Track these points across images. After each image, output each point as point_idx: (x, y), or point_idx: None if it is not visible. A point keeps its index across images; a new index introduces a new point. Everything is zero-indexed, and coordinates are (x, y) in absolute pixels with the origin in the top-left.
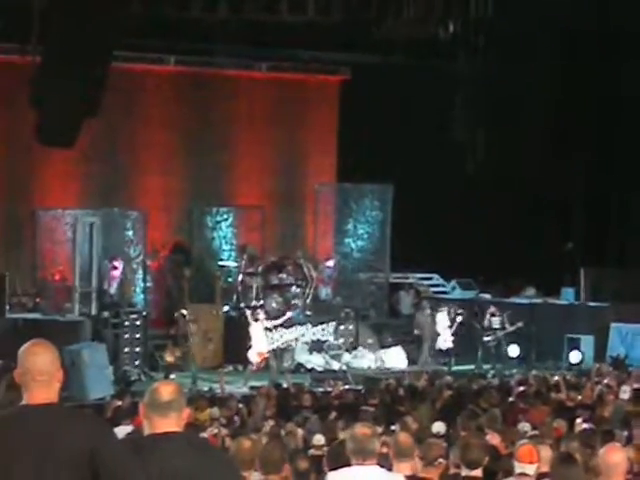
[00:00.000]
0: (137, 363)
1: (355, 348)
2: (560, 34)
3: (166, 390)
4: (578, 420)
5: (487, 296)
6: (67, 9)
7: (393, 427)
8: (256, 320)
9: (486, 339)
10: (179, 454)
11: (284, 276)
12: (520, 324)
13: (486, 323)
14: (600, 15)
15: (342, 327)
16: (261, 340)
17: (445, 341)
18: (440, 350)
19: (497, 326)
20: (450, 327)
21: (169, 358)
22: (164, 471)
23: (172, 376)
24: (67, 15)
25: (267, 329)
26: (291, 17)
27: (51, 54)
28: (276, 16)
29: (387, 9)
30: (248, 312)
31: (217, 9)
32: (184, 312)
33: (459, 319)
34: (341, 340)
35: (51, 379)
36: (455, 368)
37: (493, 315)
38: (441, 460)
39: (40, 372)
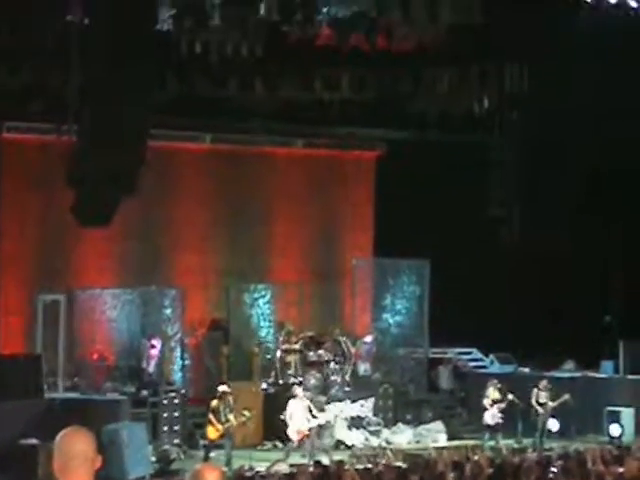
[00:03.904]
0: (176, 442)
1: (394, 424)
2: (596, 110)
3: (212, 476)
4: None
5: (526, 370)
6: (102, 89)
7: None
8: (295, 397)
9: (536, 414)
10: None
11: (322, 352)
12: (567, 396)
13: (535, 397)
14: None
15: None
16: (301, 417)
17: (493, 416)
18: (488, 425)
19: (543, 400)
20: (499, 402)
21: (212, 435)
22: None
23: (211, 455)
24: (102, 95)
25: (306, 407)
26: (326, 94)
27: (87, 133)
28: (311, 94)
29: (420, 85)
30: (287, 389)
31: (252, 87)
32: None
33: (510, 395)
34: (380, 416)
35: (88, 466)
36: (491, 443)
37: (541, 390)
38: None
39: (77, 460)
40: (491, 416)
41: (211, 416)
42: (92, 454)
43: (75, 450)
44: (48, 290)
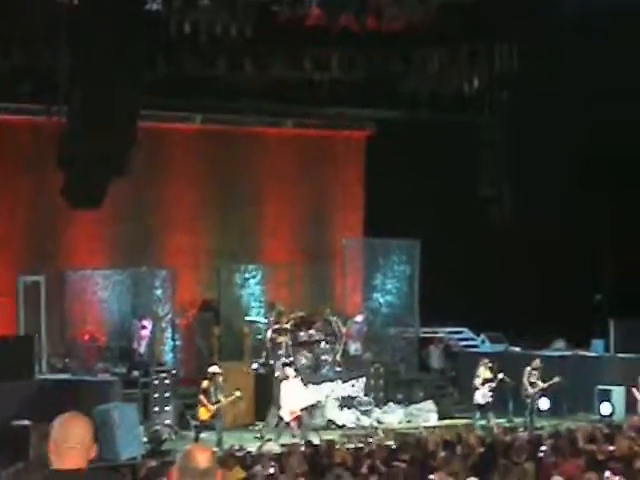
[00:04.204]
0: (167, 422)
1: (385, 403)
2: (585, 89)
3: (203, 457)
4: (607, 473)
5: (517, 349)
6: (92, 70)
7: None
8: (286, 377)
9: (527, 393)
10: None
11: (313, 332)
12: (557, 379)
13: (526, 377)
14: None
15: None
16: (292, 398)
17: (484, 396)
18: (479, 404)
19: (534, 380)
20: (490, 381)
21: (203, 415)
22: None
23: (202, 435)
24: (92, 76)
25: (298, 386)
26: (315, 74)
27: (77, 114)
28: (300, 74)
29: (410, 64)
30: (278, 369)
31: (242, 67)
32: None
33: (500, 375)
34: (371, 396)
35: (83, 451)
36: (482, 422)
37: (533, 369)
38: None
39: (72, 443)
40: (482, 395)
41: (202, 397)
42: (88, 441)
43: (72, 434)
44: (34, 272)
